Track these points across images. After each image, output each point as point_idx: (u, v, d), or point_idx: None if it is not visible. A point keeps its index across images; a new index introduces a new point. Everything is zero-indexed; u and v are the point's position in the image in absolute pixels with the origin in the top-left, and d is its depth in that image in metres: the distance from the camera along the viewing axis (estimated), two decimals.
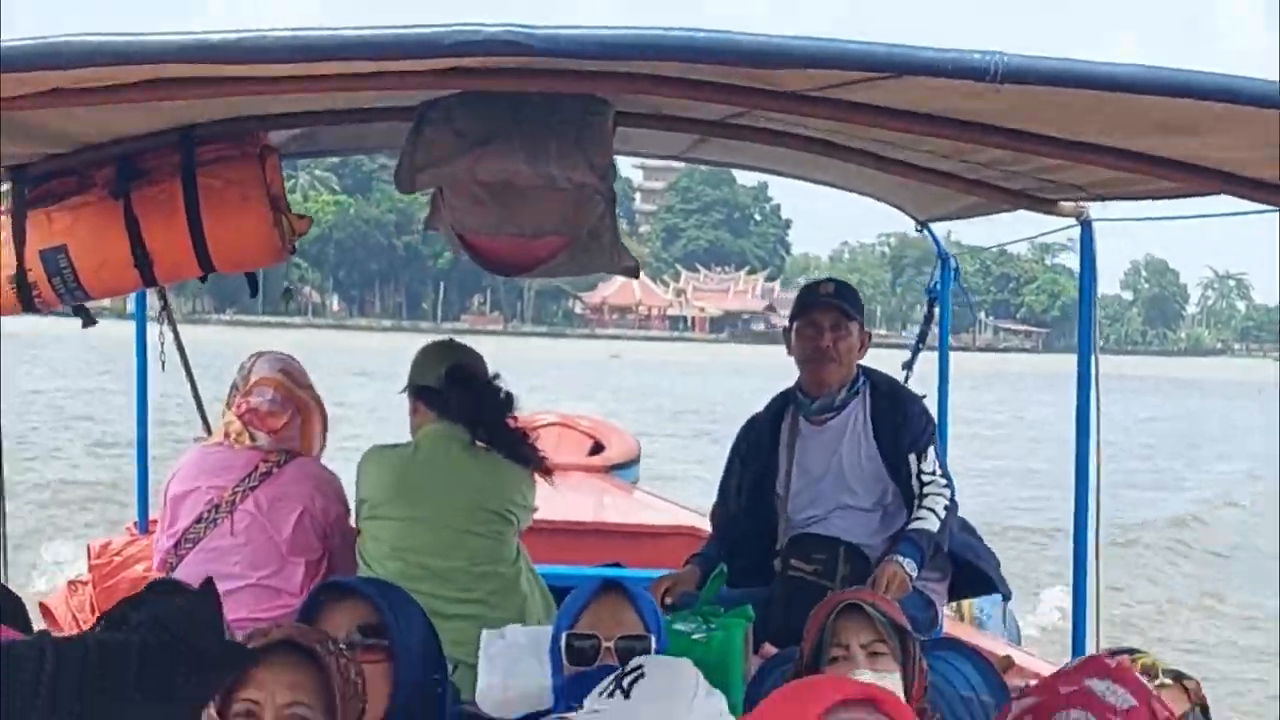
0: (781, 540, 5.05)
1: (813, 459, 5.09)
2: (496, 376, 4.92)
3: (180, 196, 4.39)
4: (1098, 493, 5.16)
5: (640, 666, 2.74)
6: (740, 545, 5.15)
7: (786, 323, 5.25)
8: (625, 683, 2.69)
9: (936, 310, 6.46)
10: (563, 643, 3.39)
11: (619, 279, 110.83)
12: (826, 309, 5.07)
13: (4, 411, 4.63)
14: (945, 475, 5.00)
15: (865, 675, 3.39)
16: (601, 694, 2.73)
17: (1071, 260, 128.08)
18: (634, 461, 9.99)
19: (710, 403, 41.46)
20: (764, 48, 2.59)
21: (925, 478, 4.95)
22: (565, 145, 4.09)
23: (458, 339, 5.22)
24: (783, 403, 5.25)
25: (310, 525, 4.84)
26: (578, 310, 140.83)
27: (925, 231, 6.22)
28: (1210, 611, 15.60)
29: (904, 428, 5.01)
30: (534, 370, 37.08)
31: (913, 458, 4.98)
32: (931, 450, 5.01)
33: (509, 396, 4.89)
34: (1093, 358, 5.16)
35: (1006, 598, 5.68)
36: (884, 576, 4.65)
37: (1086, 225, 5.17)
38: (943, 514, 4.88)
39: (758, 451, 5.21)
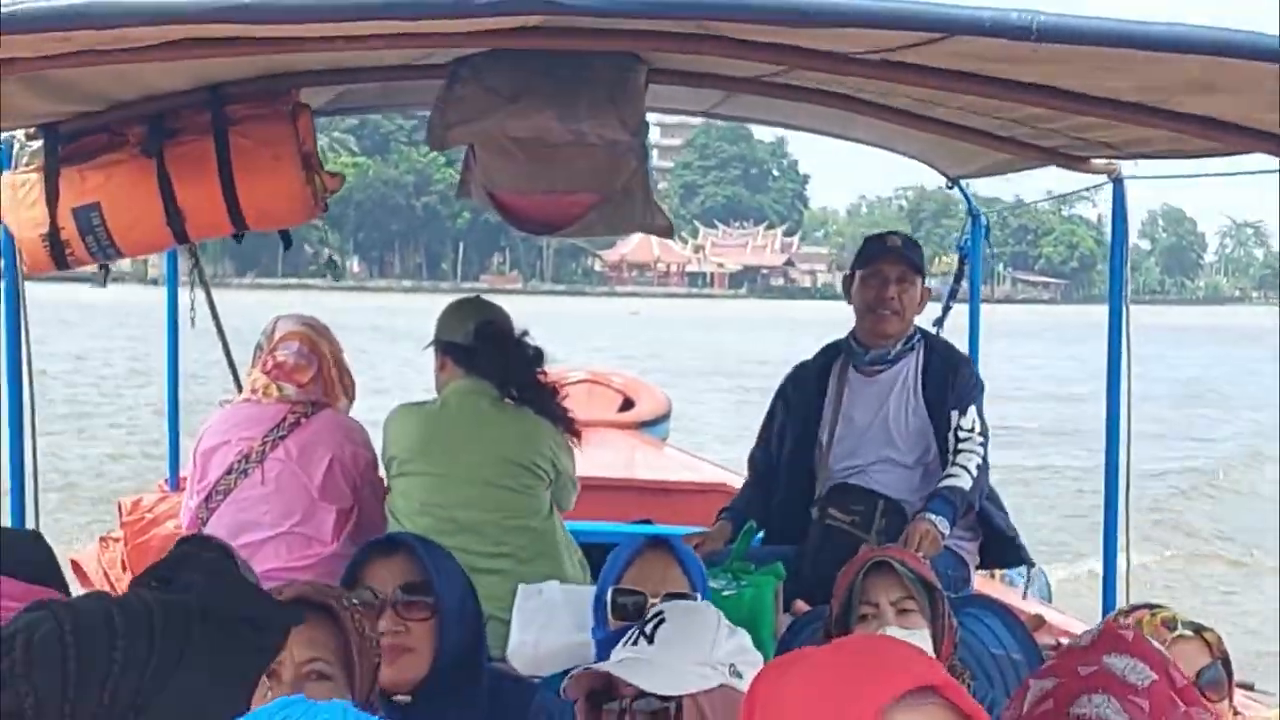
0: (820, 489, 5.06)
1: (859, 409, 5.08)
2: (525, 334, 4.92)
3: (213, 154, 4.40)
4: (1128, 446, 5.17)
5: (661, 612, 2.76)
6: (777, 492, 5.15)
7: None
8: (648, 629, 2.70)
9: (966, 266, 6.44)
10: (609, 598, 3.40)
11: (637, 236, 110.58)
12: (894, 261, 5.05)
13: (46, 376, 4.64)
14: (983, 434, 4.98)
15: (894, 632, 3.40)
16: (626, 643, 2.75)
17: (1088, 211, 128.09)
18: (664, 418, 9.98)
19: (730, 358, 41.46)
20: (801, 6, 2.57)
21: (962, 434, 4.94)
22: (597, 101, 4.08)
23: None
24: (834, 351, 5.23)
25: (340, 472, 4.85)
26: (597, 268, 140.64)
27: (956, 188, 6.20)
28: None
29: (953, 387, 5.00)
30: (553, 328, 36.96)
31: (955, 413, 4.96)
32: (973, 409, 4.99)
33: (538, 352, 4.89)
34: (1124, 311, 5.17)
35: (1030, 565, 5.67)
36: (916, 534, 4.64)
37: (1118, 182, 5.15)
38: (975, 472, 4.87)
39: (804, 397, 5.20)
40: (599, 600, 3.45)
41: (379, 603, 3.12)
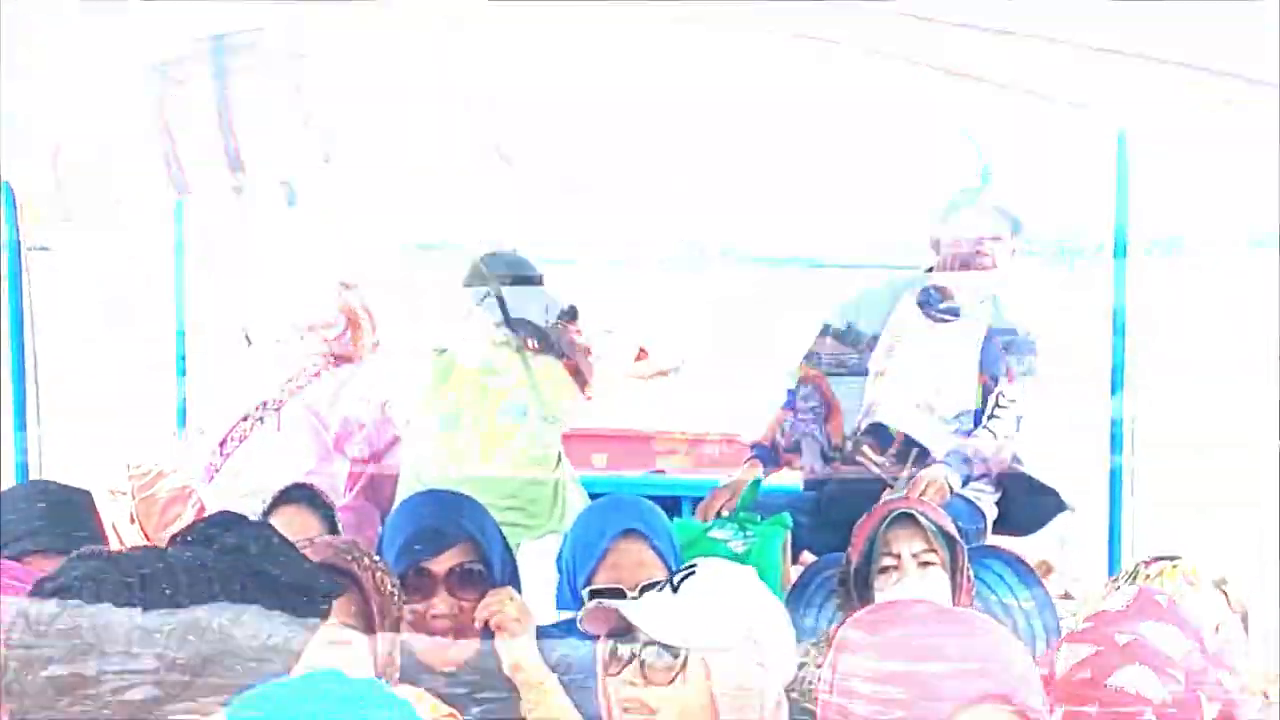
0: (860, 419, 4.96)
1: (914, 351, 4.98)
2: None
3: None
4: (1135, 391, 5.13)
5: (694, 565, 2.73)
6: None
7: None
8: (675, 579, 2.67)
9: None
10: (586, 596, 3.31)
11: None
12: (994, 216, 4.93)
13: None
14: (1020, 411, 4.90)
15: (913, 583, 3.41)
16: (653, 589, 2.72)
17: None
18: (679, 368, 9.95)
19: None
20: None
21: (1002, 401, 4.86)
22: None
23: None
24: (909, 286, 5.11)
25: (357, 426, 4.85)
26: None
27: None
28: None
29: (1011, 358, 4.91)
30: None
31: (1004, 379, 4.90)
32: (1020, 385, 4.91)
33: (573, 308, 4.92)
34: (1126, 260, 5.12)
35: (1071, 509, 5.57)
36: (923, 480, 4.61)
37: (1122, 134, 5.09)
38: (1001, 440, 4.82)
39: (869, 322, 5.06)
40: (574, 592, 3.38)
41: (431, 583, 3.09)
